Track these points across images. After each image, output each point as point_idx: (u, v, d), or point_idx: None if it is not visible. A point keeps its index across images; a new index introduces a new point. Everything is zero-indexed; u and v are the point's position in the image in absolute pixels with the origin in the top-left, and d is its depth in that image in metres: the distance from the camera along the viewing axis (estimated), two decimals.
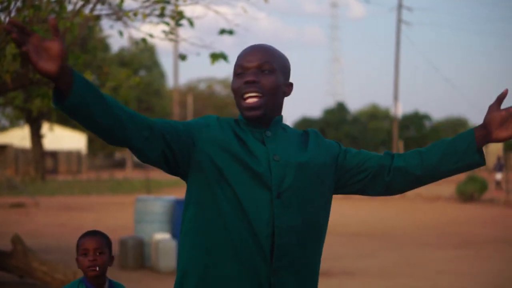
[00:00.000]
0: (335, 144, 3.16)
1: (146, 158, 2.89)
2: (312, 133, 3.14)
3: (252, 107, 2.97)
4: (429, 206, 27.43)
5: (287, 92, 3.11)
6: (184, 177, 3.02)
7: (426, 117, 77.81)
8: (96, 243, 3.74)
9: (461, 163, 2.99)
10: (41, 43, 2.59)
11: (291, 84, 3.15)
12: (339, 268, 12.33)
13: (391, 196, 32.05)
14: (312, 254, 3.02)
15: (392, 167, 3.06)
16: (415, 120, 76.42)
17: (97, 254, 3.73)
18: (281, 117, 3.11)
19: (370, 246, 15.58)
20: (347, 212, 24.33)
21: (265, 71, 3.02)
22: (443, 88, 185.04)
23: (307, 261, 3.00)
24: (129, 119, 2.79)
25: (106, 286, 3.79)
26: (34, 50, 2.59)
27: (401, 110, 51.47)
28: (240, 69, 3.03)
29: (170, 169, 2.97)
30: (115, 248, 11.20)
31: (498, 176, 32.53)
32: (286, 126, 3.13)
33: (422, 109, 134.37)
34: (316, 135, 3.14)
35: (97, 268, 3.71)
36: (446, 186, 34.02)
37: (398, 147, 42.49)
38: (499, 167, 33.17)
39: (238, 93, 3.01)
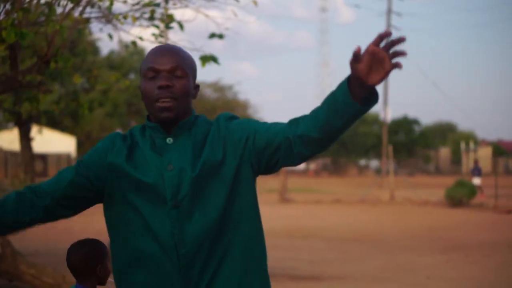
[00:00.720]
0: (244, 126, 3.08)
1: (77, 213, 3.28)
2: (214, 124, 3.10)
3: (165, 108, 2.99)
4: (418, 210, 27.46)
5: (195, 95, 3.12)
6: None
7: (415, 121, 77.95)
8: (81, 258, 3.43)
9: (347, 115, 2.82)
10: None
11: (198, 86, 3.18)
12: (328, 272, 12.31)
13: (380, 201, 32.11)
14: (236, 250, 3.01)
15: (295, 137, 2.94)
16: (404, 124, 76.56)
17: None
18: (190, 117, 3.09)
19: (358, 250, 15.58)
20: (335, 216, 24.35)
21: (177, 75, 3.03)
22: (432, 93, 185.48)
23: (228, 261, 3.00)
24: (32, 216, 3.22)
25: None
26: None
27: (390, 115, 51.55)
28: (152, 72, 3.02)
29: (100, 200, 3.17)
30: None
31: (476, 180, 32.28)
32: (198, 124, 3.10)
33: (411, 114, 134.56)
34: (218, 125, 3.10)
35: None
36: (435, 191, 34.11)
37: (388, 151, 42.53)
38: (477, 171, 33.05)
39: (151, 97, 3.02)
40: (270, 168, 3.06)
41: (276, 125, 3.02)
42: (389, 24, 51.07)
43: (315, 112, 2.90)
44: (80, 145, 68.37)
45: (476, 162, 36.17)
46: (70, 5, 8.05)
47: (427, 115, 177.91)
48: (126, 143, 3.08)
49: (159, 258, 2.97)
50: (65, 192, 3.14)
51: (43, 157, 58.49)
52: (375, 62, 2.75)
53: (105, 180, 3.08)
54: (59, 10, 8.14)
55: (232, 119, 3.12)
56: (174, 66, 3.02)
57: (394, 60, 2.74)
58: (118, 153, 3.06)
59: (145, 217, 2.98)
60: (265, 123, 3.06)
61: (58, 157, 59.99)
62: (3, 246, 9.54)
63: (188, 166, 2.98)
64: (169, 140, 3.05)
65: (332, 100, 2.83)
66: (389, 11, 52.04)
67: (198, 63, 8.41)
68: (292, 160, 3.00)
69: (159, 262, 2.97)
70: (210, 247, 2.96)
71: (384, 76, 2.74)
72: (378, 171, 67.50)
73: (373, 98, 2.83)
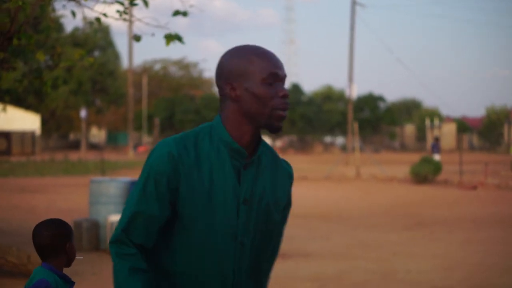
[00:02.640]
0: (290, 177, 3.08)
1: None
2: (282, 169, 3.02)
3: (284, 118, 2.85)
4: (383, 187, 27.60)
5: None
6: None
7: (380, 98, 78.24)
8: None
9: None
10: None
11: None
12: (294, 249, 12.34)
13: (346, 177, 32.26)
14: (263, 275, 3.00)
15: None
16: (369, 101, 76.84)
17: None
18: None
19: (324, 227, 15.63)
20: (301, 193, 24.42)
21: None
22: (397, 70, 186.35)
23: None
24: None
25: None
26: None
27: (355, 91, 51.67)
28: (271, 78, 2.84)
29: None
30: None
31: (436, 157, 32.40)
32: (263, 150, 2.97)
33: (377, 90, 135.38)
34: (283, 170, 3.03)
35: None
36: (401, 168, 34.32)
37: (353, 128, 42.70)
38: (436, 148, 33.16)
39: (271, 104, 2.83)
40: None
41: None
42: (354, 1, 51.08)
43: None
44: (44, 123, 67.93)
45: (436, 139, 36.35)
46: None
47: (392, 92, 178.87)
48: (209, 156, 2.85)
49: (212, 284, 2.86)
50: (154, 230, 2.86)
51: (7, 135, 57.99)
52: None
53: (176, 204, 2.84)
54: None
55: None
56: (285, 75, 2.92)
57: None
58: (199, 176, 2.82)
59: (213, 245, 2.83)
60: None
61: (22, 135, 59.50)
62: None
63: (262, 201, 2.91)
64: (248, 164, 2.88)
65: None
66: None
67: (162, 41, 8.34)
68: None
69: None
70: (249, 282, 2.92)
71: None
72: (343, 148, 67.80)
73: None
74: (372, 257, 11.83)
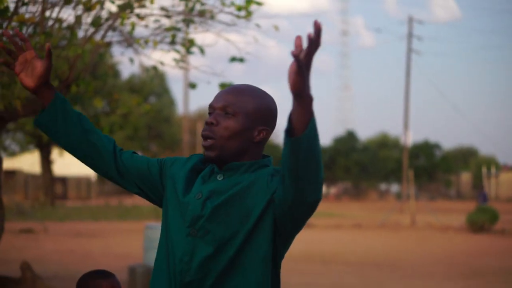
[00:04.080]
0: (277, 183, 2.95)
1: (126, 189, 3.23)
2: (254, 176, 3.01)
3: (205, 147, 3.01)
4: (438, 236, 27.29)
5: (257, 137, 3.03)
6: None
7: (436, 146, 77.62)
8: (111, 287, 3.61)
9: (288, 150, 2.69)
10: (32, 59, 3.04)
11: (265, 130, 3.05)
12: None
13: (400, 225, 31.96)
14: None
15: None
16: (425, 149, 76.26)
17: None
18: (248, 162, 3.03)
19: (378, 276, 15.49)
20: (355, 240, 24.25)
21: (228, 113, 3.00)
22: (453, 117, 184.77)
23: None
24: (103, 152, 3.17)
25: None
26: (22, 62, 3.05)
27: (411, 138, 51.45)
28: (210, 109, 3.06)
29: (153, 201, 3.23)
30: (124, 275, 11.15)
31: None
32: (259, 171, 3.02)
33: (432, 138, 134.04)
34: (259, 178, 2.99)
35: None
36: (457, 216, 33.91)
37: (408, 176, 42.39)
38: (483, 197, 31.99)
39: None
40: (287, 224, 2.94)
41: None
42: (409, 48, 51.07)
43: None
44: None
45: (482, 187, 35.71)
46: (91, 29, 8.10)
47: (448, 139, 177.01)
48: (196, 165, 3.14)
49: (171, 279, 2.99)
50: (134, 161, 3.21)
51: (63, 180, 58.70)
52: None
53: (164, 186, 3.17)
54: (80, 34, 8.19)
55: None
56: (225, 104, 3.00)
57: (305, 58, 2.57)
58: (183, 171, 3.12)
59: (172, 235, 3.01)
60: None
61: (78, 180, 60.19)
62: (23, 269, 9.55)
63: (215, 197, 2.98)
64: (220, 176, 3.03)
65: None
66: (409, 35, 52.03)
67: (217, 88, 8.42)
68: (288, 212, 2.88)
69: (170, 283, 2.99)
70: (212, 286, 2.93)
71: (294, 78, 2.58)
72: (398, 196, 67.22)
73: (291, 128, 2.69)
74: None
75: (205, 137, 3.01)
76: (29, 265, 9.66)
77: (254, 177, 2.99)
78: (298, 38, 2.60)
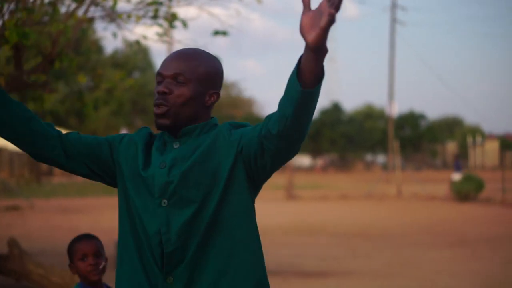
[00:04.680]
0: (242, 130, 3.00)
1: (74, 173, 3.20)
2: (212, 136, 3.04)
3: (158, 114, 3.03)
4: (425, 205, 27.43)
5: (209, 101, 3.07)
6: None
7: (421, 116, 77.84)
8: (95, 247, 3.82)
9: (295, 101, 2.69)
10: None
11: (215, 93, 3.09)
12: (336, 268, 12.31)
13: (387, 196, 32.12)
14: (225, 257, 2.96)
15: (262, 134, 2.85)
16: (410, 119, 76.47)
17: (97, 257, 3.78)
18: (200, 124, 3.06)
19: (365, 246, 15.57)
20: (342, 212, 24.36)
21: (179, 81, 3.02)
22: (438, 87, 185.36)
23: (215, 266, 2.95)
24: (48, 137, 3.09)
25: None
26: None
27: (396, 109, 51.53)
28: (158, 77, 3.06)
29: (104, 181, 3.20)
30: (112, 250, 11.15)
31: (456, 176, 30.40)
32: (212, 131, 3.06)
33: (417, 108, 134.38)
34: (217, 135, 3.02)
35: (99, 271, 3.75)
36: (442, 186, 34.06)
37: (394, 146, 42.53)
38: (457, 166, 31.94)
39: (153, 101, 3.06)
40: (262, 170, 2.95)
41: (251, 131, 2.94)
42: (394, 18, 51.03)
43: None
44: None
45: (456, 156, 35.83)
46: (74, 5, 8.06)
47: (433, 110, 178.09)
48: (147, 140, 3.14)
49: (144, 254, 2.98)
50: (82, 141, 3.16)
51: None
52: (318, 16, 2.61)
53: (117, 164, 3.13)
54: (63, 9, 8.14)
55: (238, 127, 3.04)
56: (176, 72, 3.02)
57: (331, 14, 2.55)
58: (133, 148, 3.12)
59: (139, 211, 3.00)
60: (258, 124, 2.95)
61: None
62: (10, 245, 9.54)
63: (180, 164, 2.99)
64: (176, 144, 3.06)
65: (287, 84, 2.75)
66: (393, 6, 52.00)
67: None
68: (269, 159, 2.89)
69: (143, 258, 2.98)
70: (197, 249, 2.94)
71: (320, 33, 2.59)
72: (384, 166, 67.47)
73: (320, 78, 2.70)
74: (414, 275, 11.76)
75: (158, 105, 3.03)
76: (16, 242, 9.64)
77: (211, 136, 3.02)
78: None
